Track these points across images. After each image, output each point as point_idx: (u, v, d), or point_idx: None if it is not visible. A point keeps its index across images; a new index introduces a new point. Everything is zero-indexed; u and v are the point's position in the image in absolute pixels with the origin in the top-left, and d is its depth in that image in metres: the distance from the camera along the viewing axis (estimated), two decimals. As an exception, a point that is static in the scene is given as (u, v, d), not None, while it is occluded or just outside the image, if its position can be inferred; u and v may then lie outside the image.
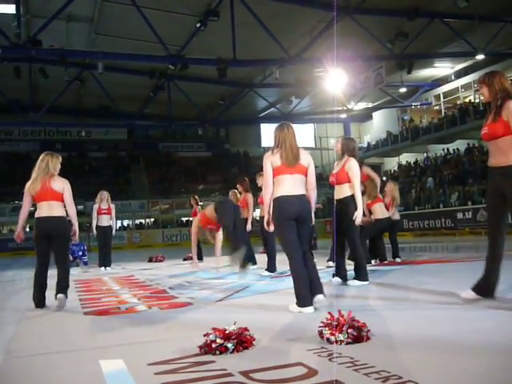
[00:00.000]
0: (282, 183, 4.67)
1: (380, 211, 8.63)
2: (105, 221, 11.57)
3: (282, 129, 4.81)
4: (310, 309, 4.47)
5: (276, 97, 33.12)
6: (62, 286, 5.59)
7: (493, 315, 3.99)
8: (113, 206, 11.79)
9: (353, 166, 6.25)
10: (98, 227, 11.54)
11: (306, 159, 4.78)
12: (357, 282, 6.24)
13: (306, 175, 4.78)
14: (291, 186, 4.65)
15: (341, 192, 6.31)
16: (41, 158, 5.85)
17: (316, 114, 35.65)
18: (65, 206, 5.76)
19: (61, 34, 20.77)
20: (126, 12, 19.73)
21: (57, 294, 5.51)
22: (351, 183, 6.22)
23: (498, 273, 4.47)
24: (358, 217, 6.06)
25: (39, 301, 5.58)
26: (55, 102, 25.41)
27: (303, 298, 4.49)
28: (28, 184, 5.76)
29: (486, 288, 4.48)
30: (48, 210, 5.63)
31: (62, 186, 5.75)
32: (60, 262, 5.71)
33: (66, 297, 5.61)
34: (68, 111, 33.05)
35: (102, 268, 11.43)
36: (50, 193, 5.64)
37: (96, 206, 11.64)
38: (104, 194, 11.72)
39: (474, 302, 4.59)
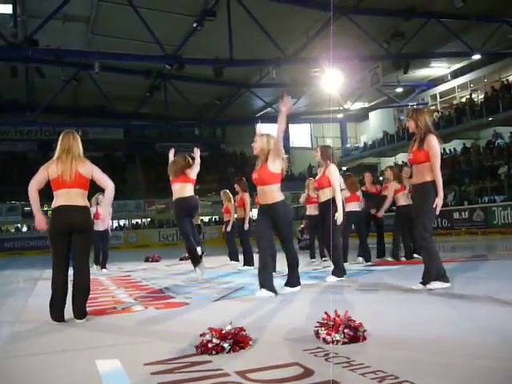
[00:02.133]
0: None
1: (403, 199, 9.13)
2: (101, 225, 10.73)
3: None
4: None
5: (272, 97, 33.11)
6: (82, 307, 4.72)
7: (492, 314, 4.00)
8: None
9: (333, 172, 6.88)
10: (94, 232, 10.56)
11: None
12: (333, 278, 6.74)
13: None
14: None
15: (323, 196, 7.03)
16: (62, 136, 4.82)
17: (312, 113, 35.68)
18: (87, 196, 4.82)
19: (57, 33, 20.78)
20: (123, 12, 19.73)
21: (77, 317, 4.68)
22: (332, 187, 6.81)
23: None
24: (339, 218, 6.68)
25: (59, 315, 4.64)
26: (52, 101, 25.41)
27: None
28: (48, 163, 4.77)
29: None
30: (67, 198, 4.63)
31: (91, 169, 4.78)
32: (80, 264, 4.79)
33: (87, 314, 4.80)
34: (65, 111, 33.01)
35: (95, 266, 10.92)
36: (74, 178, 4.64)
37: (93, 210, 10.39)
38: (100, 197, 10.62)
39: (473, 300, 4.61)
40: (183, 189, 7.98)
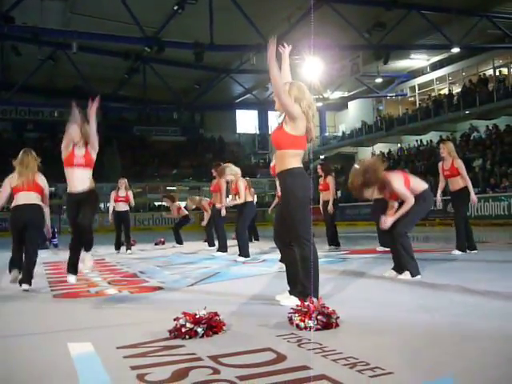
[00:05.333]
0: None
1: None
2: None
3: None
4: None
5: (252, 83, 33.02)
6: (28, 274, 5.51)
7: (460, 302, 4.07)
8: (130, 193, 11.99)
9: (330, 182, 9.71)
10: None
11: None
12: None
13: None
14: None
15: (326, 196, 9.75)
16: (21, 155, 5.78)
17: (292, 101, 35.63)
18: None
19: (34, 11, 20.31)
20: (103, -9, 19.41)
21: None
22: (329, 191, 9.66)
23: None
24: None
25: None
26: (28, 81, 24.95)
27: None
28: (10, 177, 5.77)
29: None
30: (26, 198, 5.63)
31: (44, 183, 5.84)
32: (29, 250, 5.62)
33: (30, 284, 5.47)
34: (41, 91, 32.46)
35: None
36: (32, 184, 5.69)
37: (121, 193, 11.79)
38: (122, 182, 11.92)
39: (442, 289, 4.69)
40: None
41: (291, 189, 4.11)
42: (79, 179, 5.86)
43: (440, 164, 8.62)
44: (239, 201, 8.77)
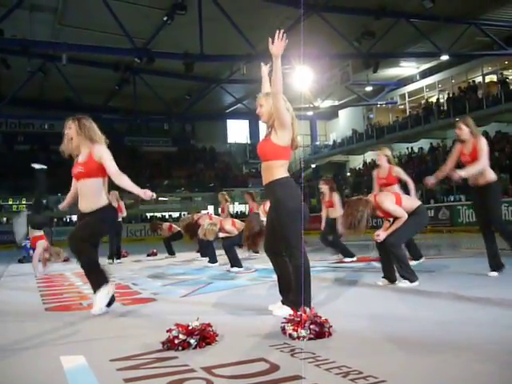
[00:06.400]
0: None
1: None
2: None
3: None
4: None
5: (243, 93, 33.09)
6: None
7: (452, 309, 4.09)
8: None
9: (334, 196, 9.25)
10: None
11: None
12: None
13: None
14: None
15: (333, 213, 9.12)
16: None
17: (282, 110, 35.73)
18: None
19: (24, 23, 20.31)
20: (92, 3, 19.40)
21: None
22: (335, 207, 9.09)
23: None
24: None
25: None
26: (18, 93, 24.89)
27: None
28: None
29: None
30: None
31: None
32: None
33: None
34: (31, 103, 32.41)
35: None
36: None
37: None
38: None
39: (435, 296, 4.70)
40: None
41: (282, 199, 4.11)
42: (81, 194, 4.79)
43: (375, 173, 8.10)
44: None
